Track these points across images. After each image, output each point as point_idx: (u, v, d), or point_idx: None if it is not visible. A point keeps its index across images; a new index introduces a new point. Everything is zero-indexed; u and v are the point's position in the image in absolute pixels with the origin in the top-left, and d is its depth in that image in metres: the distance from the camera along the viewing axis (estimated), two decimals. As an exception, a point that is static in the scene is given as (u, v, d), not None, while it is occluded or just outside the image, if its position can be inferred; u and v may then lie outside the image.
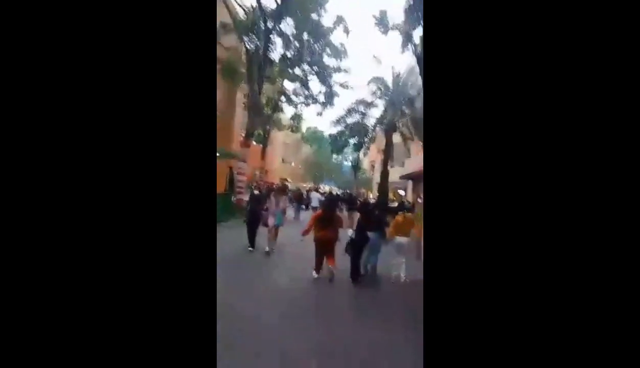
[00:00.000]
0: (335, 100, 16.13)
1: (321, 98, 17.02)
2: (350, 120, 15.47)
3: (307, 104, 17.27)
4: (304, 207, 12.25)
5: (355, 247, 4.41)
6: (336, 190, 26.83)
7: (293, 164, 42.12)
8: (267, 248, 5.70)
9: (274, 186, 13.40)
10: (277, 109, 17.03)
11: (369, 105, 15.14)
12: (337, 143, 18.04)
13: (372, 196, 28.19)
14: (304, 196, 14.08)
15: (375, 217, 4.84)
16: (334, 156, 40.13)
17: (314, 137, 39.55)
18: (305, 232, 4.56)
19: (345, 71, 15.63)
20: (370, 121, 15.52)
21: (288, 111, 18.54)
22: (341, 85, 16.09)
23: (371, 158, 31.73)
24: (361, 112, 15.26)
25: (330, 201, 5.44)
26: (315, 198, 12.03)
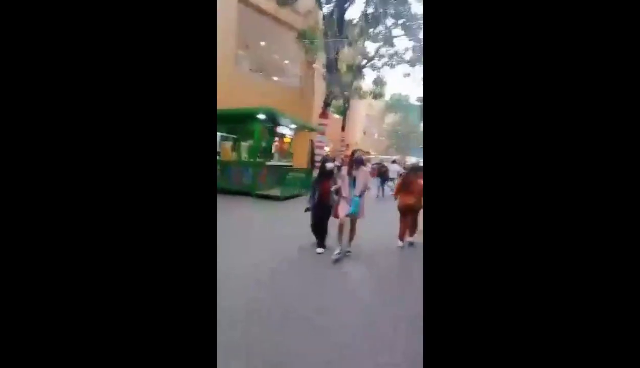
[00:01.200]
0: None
1: (409, 55, 14.73)
2: None
3: (392, 65, 15.19)
4: (387, 182, 10.47)
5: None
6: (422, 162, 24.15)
7: (376, 136, 40.03)
8: (335, 253, 3.67)
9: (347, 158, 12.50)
10: (357, 75, 15.50)
11: None
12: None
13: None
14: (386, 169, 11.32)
15: None
16: (421, 125, 36.24)
17: (399, 104, 36.10)
18: (396, 193, 4.49)
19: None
20: None
21: (370, 76, 16.77)
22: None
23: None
24: None
25: (412, 168, 4.83)
26: (394, 170, 10.32)
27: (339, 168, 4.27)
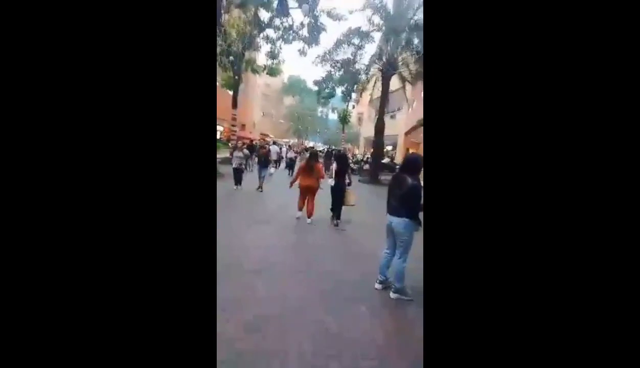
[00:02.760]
0: (322, 36, 13.04)
1: (304, 33, 13.91)
2: (339, 57, 12.38)
3: (288, 40, 14.07)
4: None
5: (334, 194, 5.12)
6: (321, 146, 24.57)
7: (274, 119, 38.74)
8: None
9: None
10: (250, 44, 13.64)
11: (364, 36, 11.78)
12: (323, 92, 15.34)
13: (359, 153, 26.31)
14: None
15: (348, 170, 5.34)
16: (320, 109, 37.09)
17: (296, 86, 35.63)
18: (292, 182, 5.24)
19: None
20: (364, 60, 12.62)
21: (264, 51, 15.14)
22: (328, 14, 12.96)
23: (359, 110, 29.09)
24: (354, 45, 11.99)
25: (312, 153, 5.54)
26: (274, 151, 11.88)
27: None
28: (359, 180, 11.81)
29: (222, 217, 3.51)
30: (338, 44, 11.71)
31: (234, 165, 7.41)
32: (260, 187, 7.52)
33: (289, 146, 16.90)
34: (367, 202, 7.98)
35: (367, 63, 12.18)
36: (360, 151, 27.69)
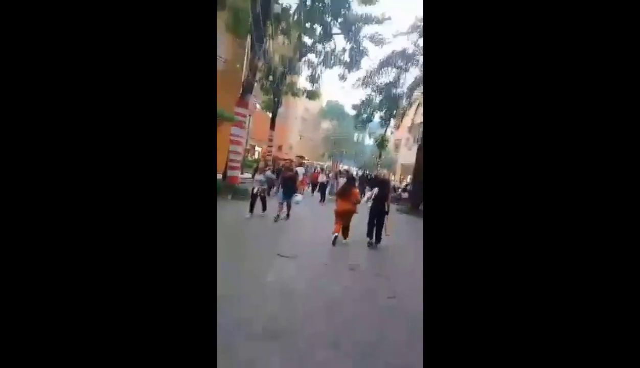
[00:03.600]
0: (364, 61, 12.88)
1: (346, 57, 13.91)
2: (381, 80, 11.94)
3: (329, 64, 14.17)
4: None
5: (371, 217, 5.08)
6: (355, 170, 23.94)
7: (311, 142, 39.31)
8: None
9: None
10: (291, 68, 13.96)
11: (408, 59, 11.25)
12: (360, 116, 15.00)
13: (394, 178, 25.18)
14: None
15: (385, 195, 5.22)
16: (356, 134, 36.95)
17: (334, 111, 36.10)
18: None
19: (378, 21, 12.27)
20: (407, 84, 12.04)
21: (304, 75, 15.42)
22: (371, 39, 12.86)
23: (397, 136, 28.26)
24: (397, 68, 11.60)
25: (348, 178, 5.78)
26: (301, 172, 10.98)
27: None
28: (397, 209, 10.87)
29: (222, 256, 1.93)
30: (381, 65, 11.35)
31: (253, 190, 6.16)
32: (277, 215, 6.09)
33: (321, 169, 16.10)
34: (405, 235, 6.98)
35: (409, 86, 11.58)
36: (396, 178, 26.54)
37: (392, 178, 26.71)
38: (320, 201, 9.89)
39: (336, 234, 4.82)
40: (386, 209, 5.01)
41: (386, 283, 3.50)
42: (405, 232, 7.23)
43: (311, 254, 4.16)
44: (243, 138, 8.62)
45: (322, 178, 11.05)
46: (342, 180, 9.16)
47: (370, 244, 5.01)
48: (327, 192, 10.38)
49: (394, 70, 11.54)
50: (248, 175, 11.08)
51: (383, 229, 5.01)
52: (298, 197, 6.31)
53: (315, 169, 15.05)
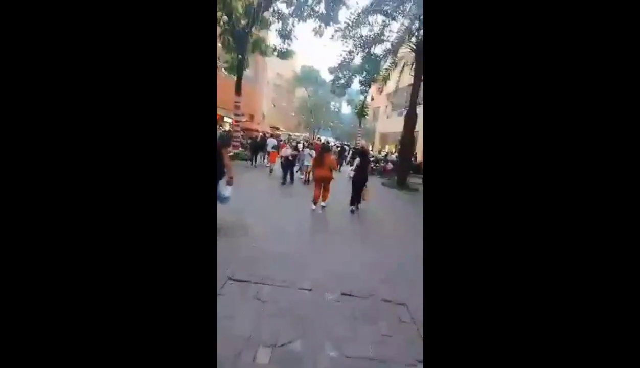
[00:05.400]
0: (342, 13, 10.94)
1: (321, 8, 11.91)
2: (362, 33, 10.10)
3: (302, 17, 12.11)
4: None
5: (354, 186, 5.48)
6: (333, 141, 22.52)
7: (286, 110, 36.87)
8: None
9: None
10: (257, 19, 11.70)
11: (387, 13, 9.49)
12: (338, 81, 13.35)
13: (372, 149, 24.09)
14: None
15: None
16: (333, 102, 34.93)
17: (309, 76, 33.50)
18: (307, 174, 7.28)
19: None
20: (391, 38, 10.38)
21: (274, 28, 13.15)
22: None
23: (375, 103, 26.81)
24: (384, 14, 9.62)
25: (322, 147, 5.90)
26: (271, 144, 10.38)
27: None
28: (383, 184, 9.84)
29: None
30: (365, 12, 9.58)
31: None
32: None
33: (283, 141, 13.35)
34: (395, 212, 6.21)
35: (394, 41, 10.00)
36: (375, 148, 25.56)
37: (370, 148, 25.61)
38: (283, 183, 7.64)
39: (314, 207, 5.25)
40: (366, 178, 5.48)
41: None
42: (394, 206, 6.29)
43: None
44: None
45: (286, 151, 8.06)
46: (308, 152, 8.19)
47: (352, 211, 5.45)
48: (295, 170, 8.21)
49: (379, 17, 9.81)
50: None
51: (362, 197, 5.48)
52: (226, 191, 3.52)
53: (281, 141, 12.79)
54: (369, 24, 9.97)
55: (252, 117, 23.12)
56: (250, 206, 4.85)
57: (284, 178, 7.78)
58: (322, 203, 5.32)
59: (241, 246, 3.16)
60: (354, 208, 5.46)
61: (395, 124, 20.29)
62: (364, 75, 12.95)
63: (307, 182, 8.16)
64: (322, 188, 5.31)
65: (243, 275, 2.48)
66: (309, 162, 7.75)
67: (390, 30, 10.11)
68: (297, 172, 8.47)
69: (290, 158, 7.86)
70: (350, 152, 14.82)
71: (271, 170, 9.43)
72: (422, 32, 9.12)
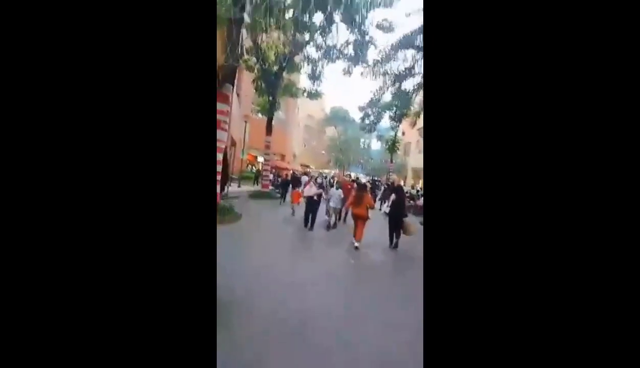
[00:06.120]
0: (370, 52, 11.08)
1: (350, 50, 12.20)
2: (392, 68, 9.89)
3: (331, 58, 12.48)
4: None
5: (391, 221, 5.57)
6: (364, 178, 21.96)
7: (316, 149, 37.68)
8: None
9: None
10: (288, 65, 12.25)
11: (419, 47, 9.38)
12: (367, 117, 13.22)
13: (404, 184, 23.05)
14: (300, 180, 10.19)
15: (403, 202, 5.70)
16: (362, 139, 35.14)
17: (338, 116, 34.37)
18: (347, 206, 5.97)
19: (385, 4, 10.50)
20: (415, 80, 10.12)
21: (304, 71, 13.67)
22: (378, 26, 11.13)
23: (406, 138, 26.30)
24: (413, 46, 9.42)
25: (361, 185, 6.04)
26: (304, 181, 9.71)
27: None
28: (421, 223, 8.91)
29: None
30: (395, 48, 9.50)
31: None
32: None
33: (311, 176, 11.24)
34: None
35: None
36: (408, 183, 24.48)
37: (402, 183, 24.61)
38: (306, 226, 6.41)
39: (356, 244, 5.17)
40: (404, 213, 5.50)
41: None
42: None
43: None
44: (222, 142, 6.72)
45: (309, 190, 6.63)
46: (337, 192, 6.86)
47: (391, 247, 5.50)
48: (317, 213, 6.48)
49: (410, 52, 9.63)
50: (238, 188, 9.33)
51: (401, 232, 5.46)
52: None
53: (306, 177, 10.58)
54: (398, 59, 9.86)
55: (283, 156, 23.66)
56: (264, 263, 3.85)
57: (306, 221, 6.49)
58: (356, 243, 5.21)
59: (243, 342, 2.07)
60: (393, 243, 5.51)
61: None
62: (394, 110, 12.68)
63: (331, 227, 6.73)
64: (356, 226, 5.31)
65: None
66: (336, 204, 6.72)
67: (421, 64, 9.87)
68: (327, 216, 6.93)
69: (315, 198, 6.56)
70: (382, 188, 14.11)
71: (293, 212, 8.18)
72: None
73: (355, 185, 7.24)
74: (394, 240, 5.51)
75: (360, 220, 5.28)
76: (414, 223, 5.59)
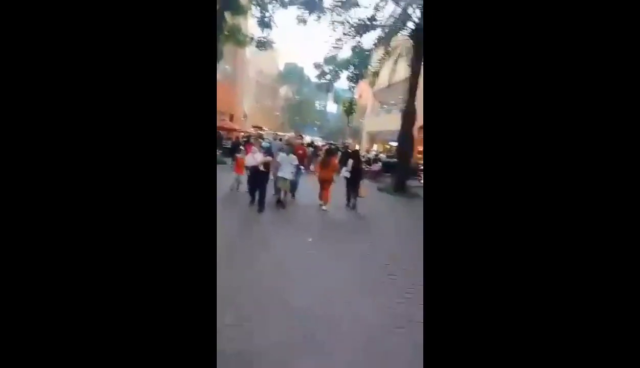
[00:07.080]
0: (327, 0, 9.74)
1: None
2: (347, 17, 8.86)
3: (283, 4, 10.83)
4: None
5: (349, 186, 5.97)
6: (320, 141, 21.29)
7: (269, 109, 35.39)
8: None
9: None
10: (231, 5, 10.26)
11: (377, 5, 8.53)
12: (323, 77, 12.22)
13: (361, 150, 22.99)
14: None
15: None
16: (317, 101, 33.84)
17: (293, 74, 32.20)
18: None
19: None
20: (376, 33, 9.29)
21: (253, 16, 11.76)
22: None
23: (361, 100, 25.81)
24: (368, 5, 8.52)
25: (327, 150, 6.38)
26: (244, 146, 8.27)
27: None
28: (379, 189, 8.77)
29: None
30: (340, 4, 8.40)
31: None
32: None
33: (253, 138, 7.81)
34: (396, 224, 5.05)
35: (389, 27, 8.88)
36: (363, 148, 24.57)
37: (357, 147, 24.48)
38: (252, 205, 5.09)
39: (321, 202, 5.57)
40: (361, 177, 6.06)
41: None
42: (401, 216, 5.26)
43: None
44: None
45: (253, 158, 5.06)
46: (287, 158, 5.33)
47: (348, 207, 5.92)
48: (266, 187, 5.06)
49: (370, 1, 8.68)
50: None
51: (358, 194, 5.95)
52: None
53: (252, 142, 7.37)
54: (358, 5, 8.83)
55: (232, 116, 21.54)
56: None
57: (252, 199, 5.10)
58: (324, 207, 5.49)
59: None
60: (350, 205, 5.95)
61: (384, 122, 19.35)
62: (352, 69, 11.84)
63: (281, 203, 5.35)
64: (323, 189, 5.59)
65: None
66: (287, 174, 5.24)
67: (384, 12, 9.00)
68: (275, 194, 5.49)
69: (262, 168, 4.91)
70: (339, 153, 13.76)
71: (238, 186, 6.05)
72: (422, 14, 8.08)
73: (309, 148, 7.19)
74: (352, 201, 5.93)
75: (327, 183, 5.58)
76: (367, 186, 6.54)
